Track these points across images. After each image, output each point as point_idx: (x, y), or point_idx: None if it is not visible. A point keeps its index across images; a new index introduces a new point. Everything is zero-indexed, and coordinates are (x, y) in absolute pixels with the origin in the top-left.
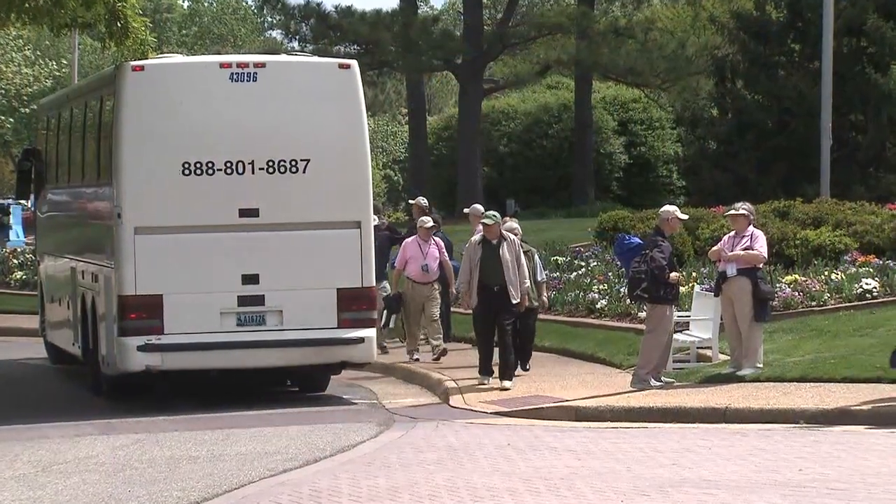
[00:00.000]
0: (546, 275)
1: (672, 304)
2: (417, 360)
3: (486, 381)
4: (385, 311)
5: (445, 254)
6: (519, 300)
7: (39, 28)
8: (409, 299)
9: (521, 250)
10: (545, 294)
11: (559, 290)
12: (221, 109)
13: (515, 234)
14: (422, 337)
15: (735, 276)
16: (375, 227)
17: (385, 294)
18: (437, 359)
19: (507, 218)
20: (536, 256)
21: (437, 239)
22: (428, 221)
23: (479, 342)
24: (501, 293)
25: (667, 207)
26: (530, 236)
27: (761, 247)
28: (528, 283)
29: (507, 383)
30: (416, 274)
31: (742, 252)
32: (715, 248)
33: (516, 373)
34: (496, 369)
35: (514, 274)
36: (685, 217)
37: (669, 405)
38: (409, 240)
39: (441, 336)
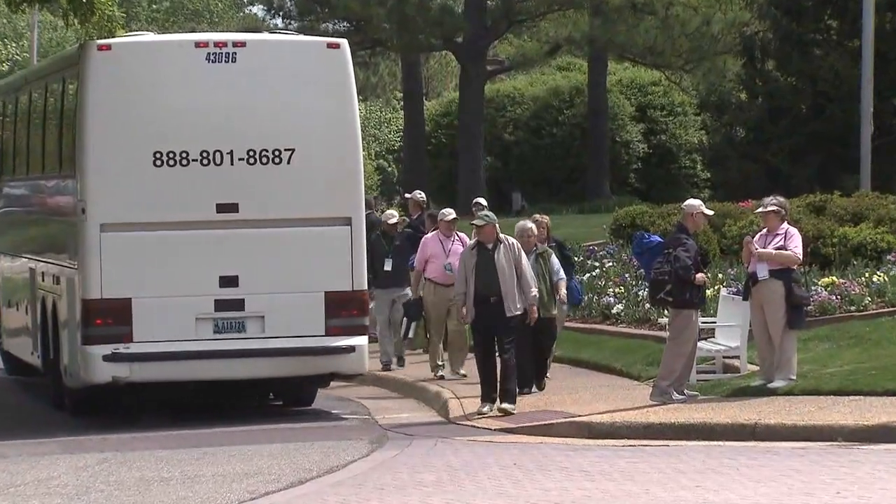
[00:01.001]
0: (576, 283)
1: (698, 308)
2: (442, 377)
3: (485, 409)
4: (404, 320)
5: None
6: (518, 313)
7: None
8: (431, 305)
9: (523, 253)
10: (562, 291)
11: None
12: (197, 93)
13: (529, 236)
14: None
15: (766, 278)
16: (392, 225)
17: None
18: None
19: (538, 217)
20: (553, 258)
21: (461, 235)
22: (450, 214)
23: (478, 363)
24: (498, 305)
25: (691, 202)
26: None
27: (796, 246)
28: (534, 293)
29: (507, 406)
30: (438, 275)
31: (774, 251)
32: (747, 238)
33: (531, 389)
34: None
35: (513, 283)
36: (711, 213)
37: (693, 421)
38: (428, 236)
39: (462, 363)
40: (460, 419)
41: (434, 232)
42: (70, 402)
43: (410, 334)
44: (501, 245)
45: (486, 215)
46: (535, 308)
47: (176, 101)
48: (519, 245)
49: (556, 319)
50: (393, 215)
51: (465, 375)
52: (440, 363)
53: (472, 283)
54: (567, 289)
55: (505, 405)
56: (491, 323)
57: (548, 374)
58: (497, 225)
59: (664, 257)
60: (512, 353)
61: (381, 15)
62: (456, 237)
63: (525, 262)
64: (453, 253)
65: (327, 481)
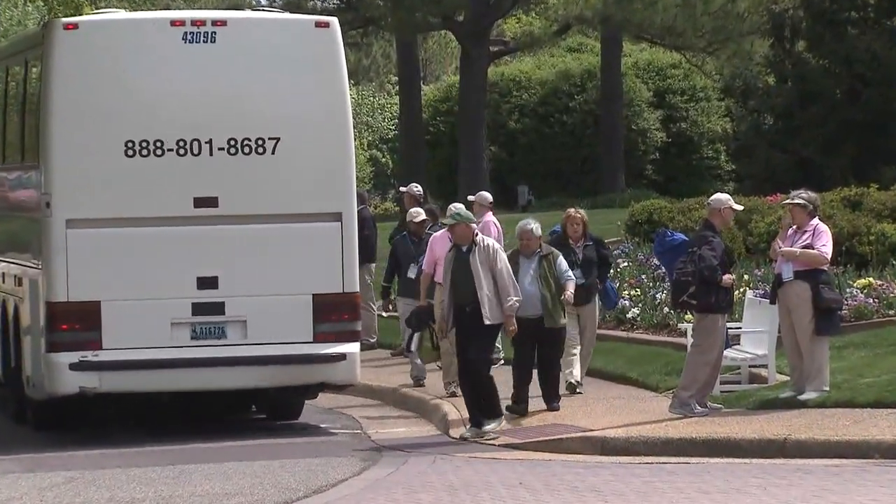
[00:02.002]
0: (611, 286)
1: (725, 313)
2: (454, 394)
3: (468, 437)
4: (407, 331)
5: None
6: (492, 322)
7: None
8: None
9: (502, 256)
10: (569, 290)
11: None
12: (173, 77)
13: (529, 238)
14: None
15: (791, 279)
16: (419, 224)
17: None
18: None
19: (572, 211)
20: (561, 260)
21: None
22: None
23: (459, 380)
24: (474, 314)
25: (719, 196)
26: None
27: (823, 245)
28: (513, 301)
29: (489, 425)
30: None
31: (798, 250)
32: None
33: (526, 409)
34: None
35: (489, 289)
36: (740, 208)
37: (716, 436)
38: (437, 235)
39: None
40: (461, 434)
41: (443, 231)
42: (33, 415)
43: (413, 347)
44: (477, 247)
45: (458, 213)
46: (512, 319)
47: (149, 85)
48: (497, 247)
49: (588, 322)
50: (419, 213)
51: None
52: (452, 380)
53: (448, 289)
54: (602, 291)
55: (472, 430)
56: (469, 334)
57: (579, 387)
58: (473, 224)
59: (688, 257)
60: (481, 370)
61: None
62: None
63: (502, 265)
64: None
65: (315, 502)
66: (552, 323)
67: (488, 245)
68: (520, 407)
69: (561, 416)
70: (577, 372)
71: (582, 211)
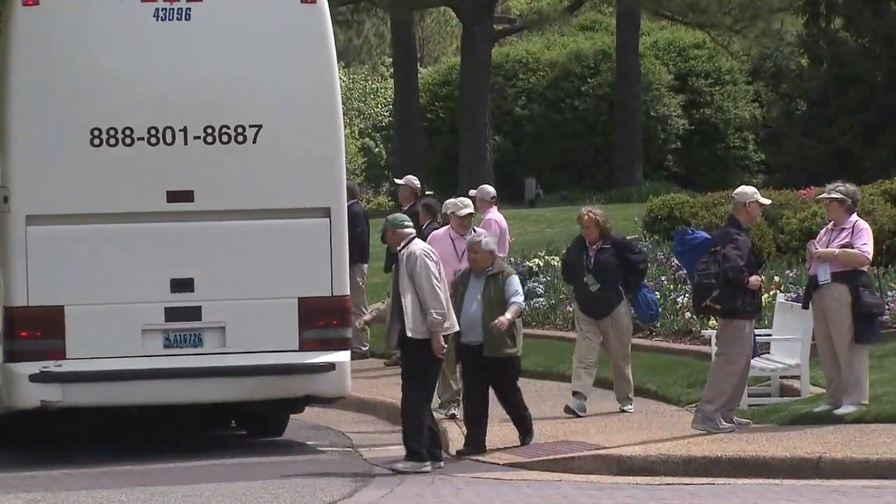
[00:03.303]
0: (649, 293)
1: (752, 318)
2: (454, 415)
3: (425, 467)
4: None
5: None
6: (414, 336)
7: None
8: None
9: (425, 264)
10: (508, 314)
11: None
12: (143, 58)
13: (476, 252)
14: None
15: (828, 282)
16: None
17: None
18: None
19: (585, 211)
20: (512, 280)
21: (479, 230)
22: (465, 207)
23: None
24: (404, 331)
25: (744, 189)
26: (555, 228)
27: (864, 244)
28: (433, 316)
29: (400, 465)
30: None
31: (836, 249)
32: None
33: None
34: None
35: (413, 301)
36: (767, 202)
37: (744, 454)
38: (438, 233)
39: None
40: (462, 452)
41: (445, 228)
42: None
43: None
44: (404, 255)
45: (385, 220)
46: (437, 337)
47: (118, 67)
48: (420, 253)
49: (612, 335)
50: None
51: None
52: (452, 400)
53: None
54: (636, 302)
55: (399, 465)
56: (406, 351)
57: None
58: (407, 229)
59: (711, 257)
60: (407, 396)
61: None
62: (471, 233)
63: (421, 275)
64: (466, 255)
65: None
66: (493, 352)
67: (412, 252)
68: (467, 450)
69: (572, 431)
70: (580, 385)
71: (597, 211)
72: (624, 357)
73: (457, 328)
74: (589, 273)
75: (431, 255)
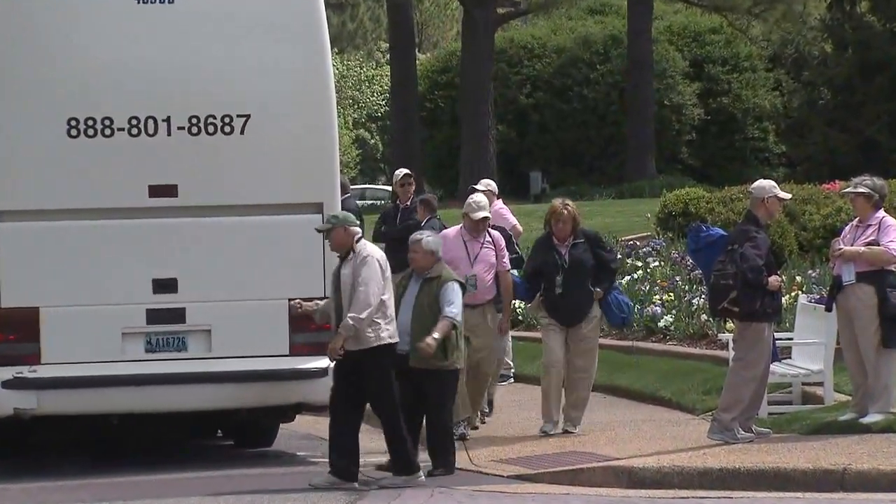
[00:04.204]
0: (619, 297)
1: (772, 321)
2: (464, 436)
3: (419, 478)
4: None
5: (506, 255)
6: (372, 345)
7: None
8: None
9: (371, 266)
10: (436, 332)
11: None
12: (124, 44)
13: (416, 252)
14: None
15: (853, 282)
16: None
17: None
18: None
19: (558, 203)
20: (449, 287)
21: (493, 233)
22: (478, 210)
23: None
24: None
25: (762, 183)
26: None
27: (892, 241)
28: (349, 320)
29: (390, 480)
30: None
31: (862, 248)
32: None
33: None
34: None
35: (348, 306)
36: (788, 197)
37: (764, 466)
38: (449, 232)
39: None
40: (464, 463)
41: (457, 229)
42: None
43: None
44: (351, 257)
45: (334, 217)
46: (337, 338)
47: (97, 53)
48: (367, 256)
49: (581, 349)
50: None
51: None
52: (462, 420)
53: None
54: (605, 304)
55: (385, 480)
56: (348, 363)
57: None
58: (351, 227)
59: (727, 256)
60: (380, 406)
61: None
62: (487, 237)
63: (366, 276)
64: (481, 260)
65: None
66: (419, 362)
67: (359, 252)
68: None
69: (581, 442)
70: (554, 413)
71: (571, 204)
72: (591, 375)
73: (397, 339)
74: (561, 274)
75: (383, 262)
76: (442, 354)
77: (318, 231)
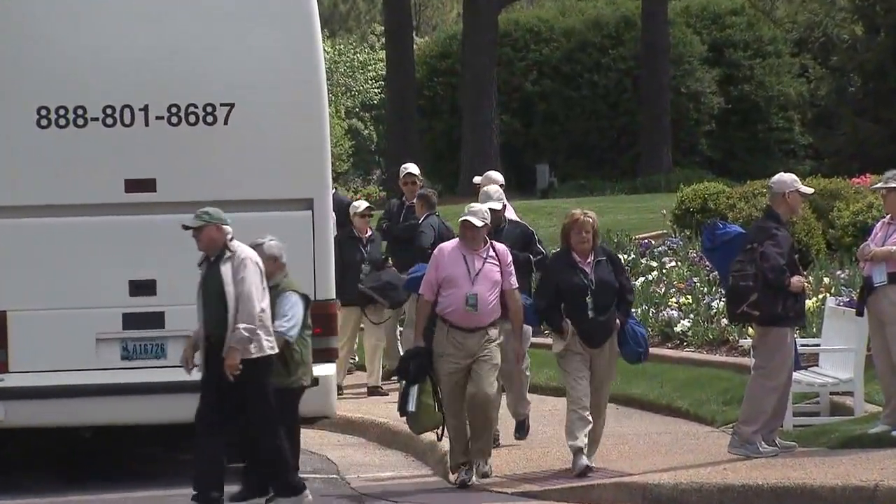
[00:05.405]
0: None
1: (795, 325)
2: (465, 482)
3: (307, 498)
4: (401, 383)
5: (512, 272)
6: (254, 355)
7: None
8: (446, 362)
9: (250, 270)
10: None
11: None
12: (98, 26)
13: (268, 259)
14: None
15: (885, 284)
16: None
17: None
18: None
19: (578, 213)
20: (286, 297)
21: (498, 246)
22: (478, 216)
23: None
24: (220, 349)
25: (782, 177)
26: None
27: None
28: (244, 332)
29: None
30: (457, 311)
31: (895, 248)
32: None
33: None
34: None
35: (234, 315)
36: (810, 191)
37: (788, 482)
38: (446, 247)
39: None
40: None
41: (454, 243)
42: None
43: (411, 406)
44: (229, 258)
45: (205, 213)
46: (233, 353)
47: (69, 37)
48: (244, 259)
49: (605, 377)
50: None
51: (486, 475)
52: (462, 462)
53: (198, 314)
54: (622, 336)
55: None
56: (222, 376)
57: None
58: (224, 226)
59: (746, 255)
60: (262, 425)
61: None
62: (490, 250)
63: (249, 283)
64: (484, 277)
65: None
66: (251, 375)
67: (236, 254)
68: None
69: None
70: (581, 441)
71: (592, 214)
72: (604, 405)
73: (276, 350)
74: (590, 296)
75: (258, 262)
76: (285, 370)
77: (186, 228)
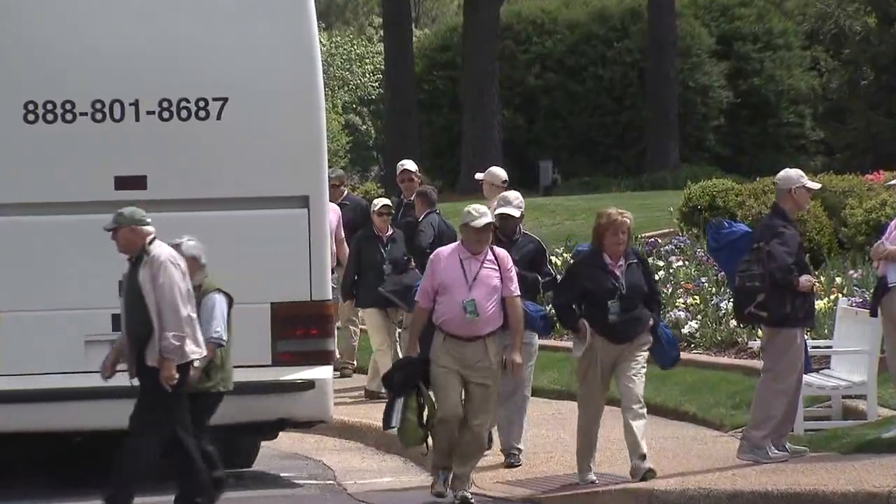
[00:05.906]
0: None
1: (804, 326)
2: (441, 494)
3: None
4: (389, 396)
5: (514, 278)
6: (169, 373)
7: None
8: (439, 374)
9: (169, 274)
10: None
11: None
12: (87, 20)
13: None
14: None
15: None
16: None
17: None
18: None
19: (612, 212)
20: (211, 299)
21: (498, 251)
22: (479, 216)
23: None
24: (142, 356)
25: (788, 173)
26: (576, 219)
27: None
28: (172, 340)
29: None
30: (453, 320)
31: None
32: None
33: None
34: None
35: (158, 323)
36: (817, 187)
37: (799, 488)
38: (444, 251)
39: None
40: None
41: (453, 246)
42: None
43: (394, 421)
44: (147, 263)
45: (119, 214)
46: (169, 364)
47: (57, 30)
48: (167, 259)
49: (638, 378)
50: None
51: (466, 501)
52: (443, 467)
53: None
54: (655, 340)
55: None
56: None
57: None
58: (142, 227)
59: (753, 255)
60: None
61: None
62: (488, 253)
63: (171, 287)
64: (481, 283)
65: None
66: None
67: (154, 256)
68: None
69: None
70: (643, 447)
71: (629, 214)
72: (639, 389)
73: (204, 353)
74: (618, 299)
75: (179, 263)
76: (205, 375)
77: (107, 230)
